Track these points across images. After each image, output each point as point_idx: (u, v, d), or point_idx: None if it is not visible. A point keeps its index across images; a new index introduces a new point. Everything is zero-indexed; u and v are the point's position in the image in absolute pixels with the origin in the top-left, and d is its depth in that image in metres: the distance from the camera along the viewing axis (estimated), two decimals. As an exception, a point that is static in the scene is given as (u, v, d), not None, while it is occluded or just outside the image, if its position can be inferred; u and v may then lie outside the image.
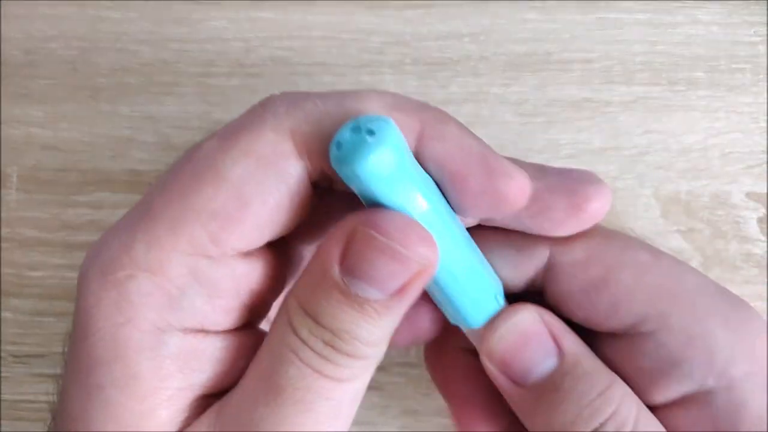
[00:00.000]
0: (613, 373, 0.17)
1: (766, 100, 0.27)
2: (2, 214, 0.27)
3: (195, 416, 0.16)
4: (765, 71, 0.28)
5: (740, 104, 0.28)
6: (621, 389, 0.17)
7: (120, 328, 0.15)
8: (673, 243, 0.26)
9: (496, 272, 0.18)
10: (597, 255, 0.18)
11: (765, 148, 0.27)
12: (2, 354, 0.26)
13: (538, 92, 0.28)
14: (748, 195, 0.27)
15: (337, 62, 0.28)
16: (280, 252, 0.18)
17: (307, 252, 0.20)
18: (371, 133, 0.14)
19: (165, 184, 0.16)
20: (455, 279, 0.17)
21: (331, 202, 0.18)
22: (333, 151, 0.15)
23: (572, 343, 0.18)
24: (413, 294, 0.15)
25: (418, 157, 0.16)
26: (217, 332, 0.16)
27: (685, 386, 0.17)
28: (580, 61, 0.28)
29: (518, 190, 0.16)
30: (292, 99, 0.16)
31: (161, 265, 0.15)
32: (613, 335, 0.18)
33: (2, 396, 0.27)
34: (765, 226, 0.27)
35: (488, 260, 0.18)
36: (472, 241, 0.18)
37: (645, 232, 0.27)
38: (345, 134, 0.15)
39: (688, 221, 0.27)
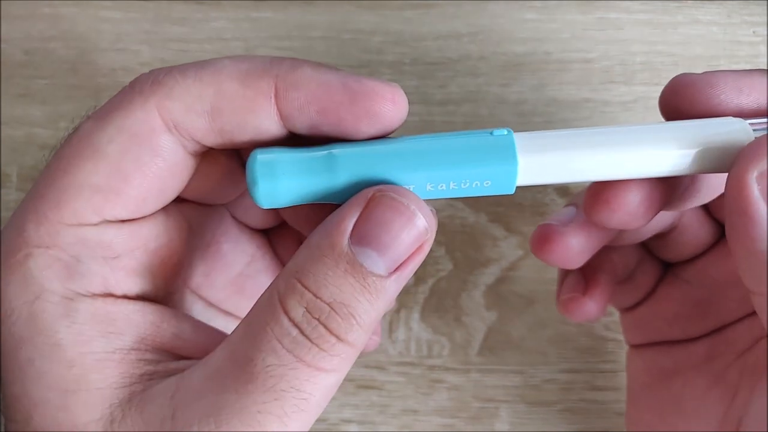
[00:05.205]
0: None
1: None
2: (2, 214, 0.27)
3: (144, 381, 0.16)
4: (765, 71, 0.28)
5: (740, 104, 0.28)
6: None
7: (32, 305, 0.16)
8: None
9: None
10: None
11: (764, 148, 0.27)
12: (2, 353, 0.26)
13: (538, 92, 0.28)
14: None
15: (336, 62, 0.28)
16: (179, 214, 0.19)
17: (209, 210, 0.21)
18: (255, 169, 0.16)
19: (50, 166, 0.16)
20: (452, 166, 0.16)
21: (229, 161, 0.19)
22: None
23: None
24: (408, 273, 0.16)
25: (284, 115, 0.16)
26: (126, 296, 0.17)
27: None
28: (579, 61, 0.28)
29: (388, 103, 0.16)
30: (156, 76, 0.16)
31: (51, 238, 0.16)
32: None
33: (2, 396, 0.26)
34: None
35: None
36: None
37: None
38: (249, 161, 0.16)
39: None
